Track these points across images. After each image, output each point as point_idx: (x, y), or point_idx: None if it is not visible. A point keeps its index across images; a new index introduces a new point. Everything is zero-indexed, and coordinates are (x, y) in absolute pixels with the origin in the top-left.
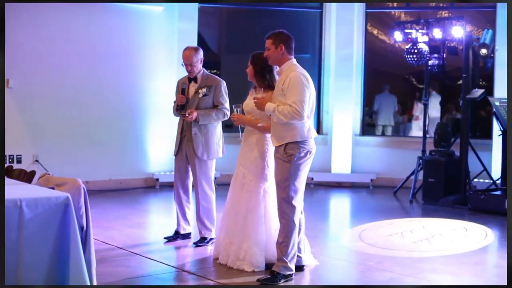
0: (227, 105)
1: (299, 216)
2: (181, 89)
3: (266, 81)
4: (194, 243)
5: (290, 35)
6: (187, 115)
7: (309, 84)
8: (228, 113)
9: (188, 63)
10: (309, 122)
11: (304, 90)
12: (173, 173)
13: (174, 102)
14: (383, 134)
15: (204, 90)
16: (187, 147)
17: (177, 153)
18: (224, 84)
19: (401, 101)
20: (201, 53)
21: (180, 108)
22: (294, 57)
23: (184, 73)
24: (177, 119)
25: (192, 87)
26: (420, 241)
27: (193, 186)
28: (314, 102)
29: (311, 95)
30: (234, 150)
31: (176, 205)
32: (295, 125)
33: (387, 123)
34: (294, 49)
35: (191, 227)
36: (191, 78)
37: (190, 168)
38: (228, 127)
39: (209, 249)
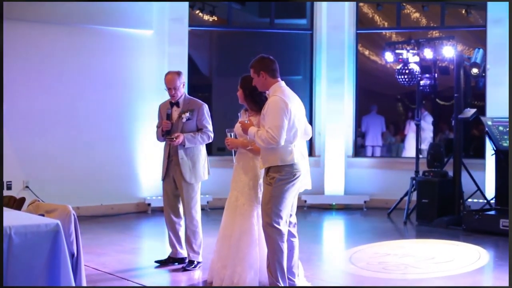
0: (210, 127)
1: (285, 239)
2: (166, 115)
3: (257, 104)
4: (182, 268)
5: (271, 58)
6: (174, 139)
7: (288, 109)
8: (212, 135)
9: (172, 86)
10: (293, 146)
11: (281, 115)
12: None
13: (157, 127)
14: (372, 155)
15: (187, 114)
16: (174, 172)
17: (165, 177)
18: (206, 107)
19: (394, 121)
20: (183, 77)
21: (165, 133)
22: (283, 79)
23: (167, 98)
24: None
25: (175, 112)
26: (415, 263)
27: None
28: (300, 124)
29: (291, 119)
30: (227, 173)
31: (169, 230)
32: (277, 149)
33: (375, 144)
34: (285, 71)
35: (185, 251)
36: (173, 103)
37: (178, 192)
38: (221, 150)
39: (198, 273)
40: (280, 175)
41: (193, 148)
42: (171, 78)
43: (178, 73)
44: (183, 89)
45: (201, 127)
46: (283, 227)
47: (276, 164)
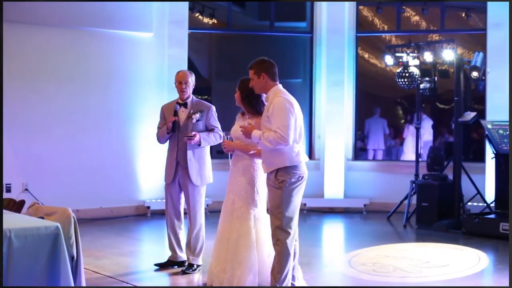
0: (220, 127)
1: (294, 243)
2: (174, 111)
3: (254, 107)
4: (181, 271)
5: (271, 62)
6: (192, 137)
7: (293, 109)
8: (223, 134)
9: (183, 81)
10: (298, 147)
11: (288, 115)
12: (164, 200)
13: (159, 128)
14: (374, 158)
15: (198, 115)
16: (180, 174)
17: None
18: (214, 108)
19: (393, 124)
20: (194, 77)
21: (171, 131)
22: (281, 82)
23: (167, 100)
24: (166, 145)
25: (182, 113)
26: (414, 266)
27: (185, 212)
28: (302, 126)
29: (297, 120)
30: (225, 176)
31: (170, 233)
32: (283, 151)
33: (377, 147)
34: (285, 74)
35: (185, 255)
36: (181, 104)
37: (182, 195)
38: (220, 153)
39: (197, 276)
40: (289, 178)
41: (200, 150)
42: (184, 73)
43: (191, 72)
44: (191, 90)
45: (211, 128)
46: (293, 230)
47: (284, 165)
